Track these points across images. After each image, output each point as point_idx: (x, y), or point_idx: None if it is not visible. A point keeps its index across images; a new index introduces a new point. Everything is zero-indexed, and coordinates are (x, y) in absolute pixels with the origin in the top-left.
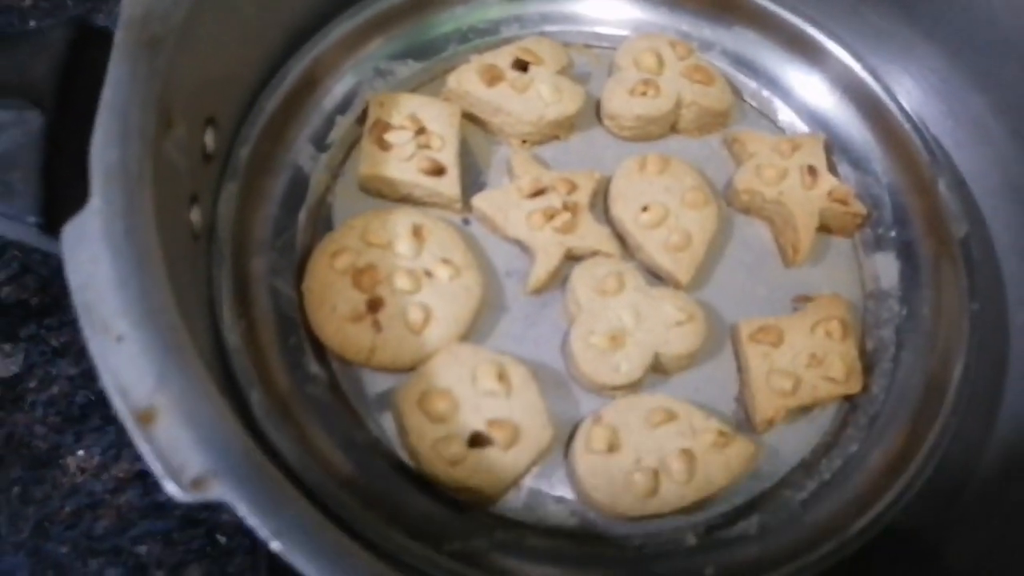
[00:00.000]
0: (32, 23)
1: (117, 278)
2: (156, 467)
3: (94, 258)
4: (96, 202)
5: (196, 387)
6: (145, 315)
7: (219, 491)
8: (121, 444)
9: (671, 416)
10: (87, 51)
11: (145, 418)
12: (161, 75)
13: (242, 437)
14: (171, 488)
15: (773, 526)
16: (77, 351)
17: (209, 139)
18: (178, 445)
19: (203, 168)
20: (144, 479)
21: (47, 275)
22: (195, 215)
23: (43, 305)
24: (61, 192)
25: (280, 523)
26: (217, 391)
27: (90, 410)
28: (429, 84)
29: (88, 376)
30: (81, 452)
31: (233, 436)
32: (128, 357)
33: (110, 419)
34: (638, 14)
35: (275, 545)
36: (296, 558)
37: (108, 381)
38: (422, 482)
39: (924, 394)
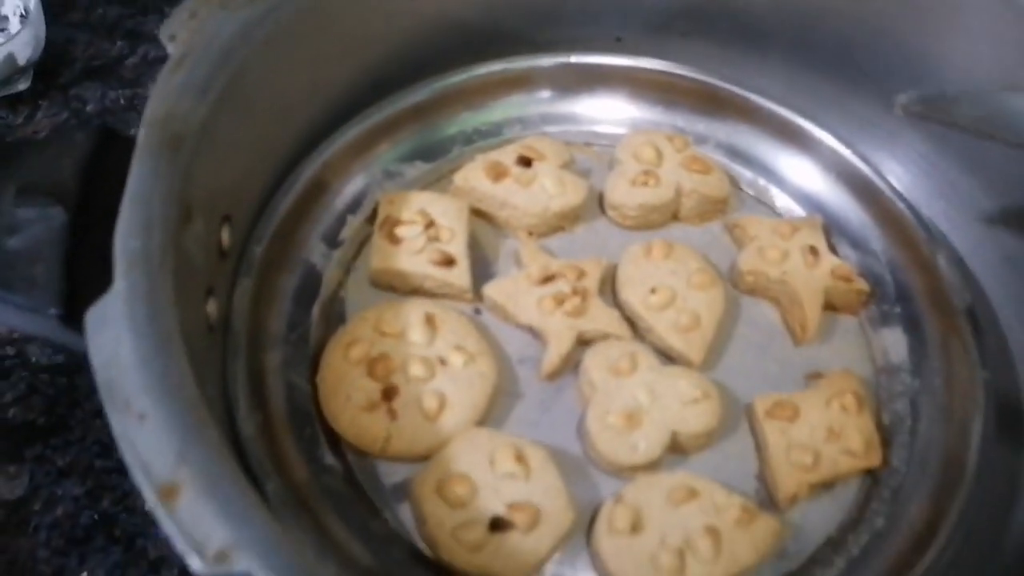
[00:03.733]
0: None
1: (139, 357)
2: (179, 542)
3: (117, 339)
4: (120, 285)
5: (216, 462)
6: (166, 393)
7: (244, 563)
8: (126, 564)
9: (693, 494)
10: (109, 155)
11: (167, 493)
12: (181, 172)
13: (262, 509)
14: (194, 563)
15: None
16: (83, 470)
17: (225, 236)
18: (201, 519)
19: (219, 263)
20: None
21: (53, 395)
22: (211, 307)
23: (49, 425)
24: (81, 286)
25: None
26: (236, 466)
27: (95, 531)
28: (436, 183)
29: (93, 496)
30: (85, 574)
31: (254, 508)
32: (150, 434)
33: (115, 539)
34: (634, 112)
35: None
36: None
37: (130, 458)
38: (441, 571)
39: (945, 464)
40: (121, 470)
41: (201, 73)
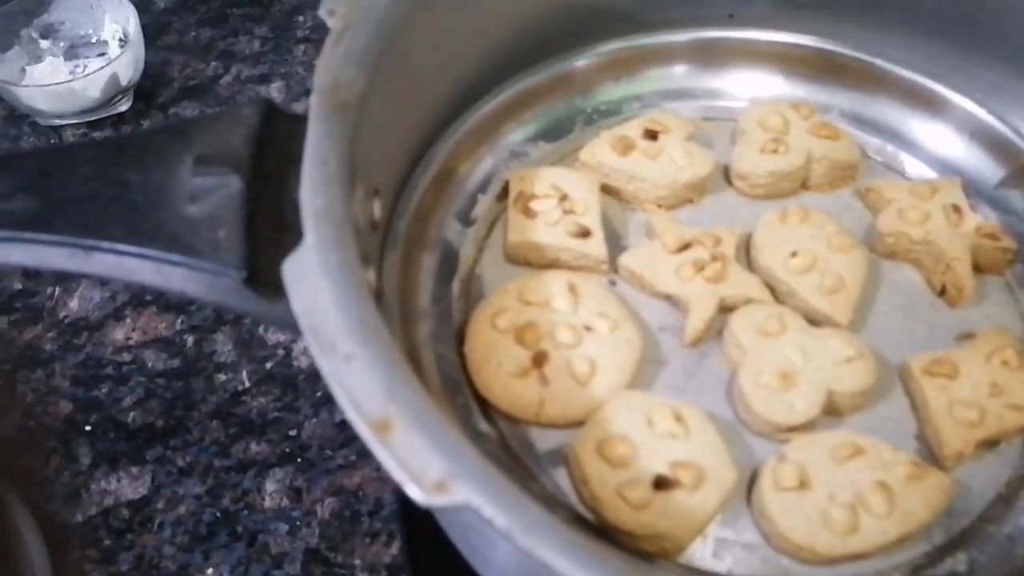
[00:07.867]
0: None
1: (337, 304)
2: (398, 473)
3: (314, 288)
4: (311, 239)
5: (423, 399)
6: (367, 335)
7: (462, 493)
8: (249, 560)
9: (858, 450)
10: (273, 127)
11: (381, 427)
12: (349, 136)
13: (472, 445)
14: (414, 492)
15: (983, 562)
16: (203, 470)
17: (376, 208)
18: (415, 451)
19: (371, 234)
20: None
21: (170, 399)
22: (370, 275)
23: (168, 427)
24: (259, 249)
25: (525, 521)
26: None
27: (217, 528)
28: (560, 162)
29: (214, 494)
30: (210, 570)
31: (464, 444)
32: (357, 373)
33: (238, 535)
34: (753, 85)
35: (523, 541)
36: (546, 552)
37: (341, 396)
38: (603, 535)
39: None
40: (240, 469)
41: (360, 44)
